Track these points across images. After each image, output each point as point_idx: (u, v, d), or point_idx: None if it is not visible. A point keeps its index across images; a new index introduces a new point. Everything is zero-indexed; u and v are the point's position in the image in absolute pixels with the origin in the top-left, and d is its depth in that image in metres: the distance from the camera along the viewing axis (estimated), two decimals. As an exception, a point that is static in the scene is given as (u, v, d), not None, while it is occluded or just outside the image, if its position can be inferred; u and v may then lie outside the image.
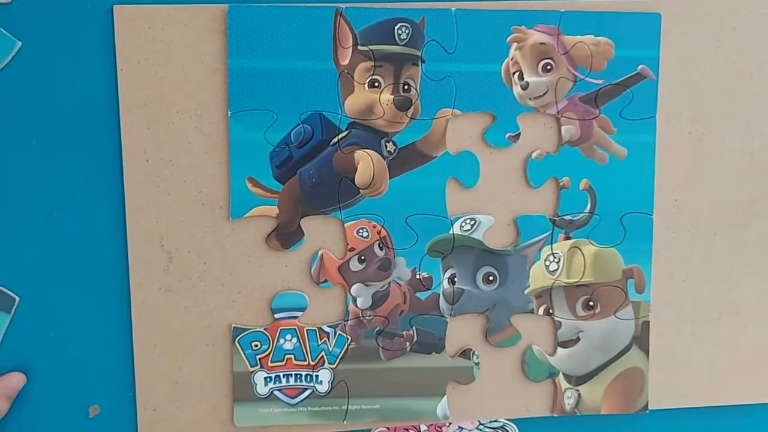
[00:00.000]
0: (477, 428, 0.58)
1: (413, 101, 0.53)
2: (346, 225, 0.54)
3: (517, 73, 0.54)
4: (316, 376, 0.55)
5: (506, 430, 0.58)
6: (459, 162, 0.54)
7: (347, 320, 0.55)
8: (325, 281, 0.54)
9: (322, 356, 0.55)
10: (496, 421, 0.58)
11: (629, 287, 0.56)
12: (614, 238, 0.56)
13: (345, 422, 0.56)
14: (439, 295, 0.55)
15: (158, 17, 0.51)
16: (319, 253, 0.54)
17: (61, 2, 0.51)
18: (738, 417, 0.60)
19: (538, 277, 0.56)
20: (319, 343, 0.55)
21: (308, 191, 0.53)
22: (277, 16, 0.52)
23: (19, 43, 0.51)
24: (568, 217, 0.56)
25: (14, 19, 0.51)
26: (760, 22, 0.56)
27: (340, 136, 0.53)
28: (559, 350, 0.57)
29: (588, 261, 0.56)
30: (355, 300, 0.55)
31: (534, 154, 0.55)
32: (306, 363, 0.55)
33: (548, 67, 0.54)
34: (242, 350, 0.54)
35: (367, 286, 0.55)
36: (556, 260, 0.56)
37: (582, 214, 0.56)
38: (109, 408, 0.55)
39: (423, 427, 0.58)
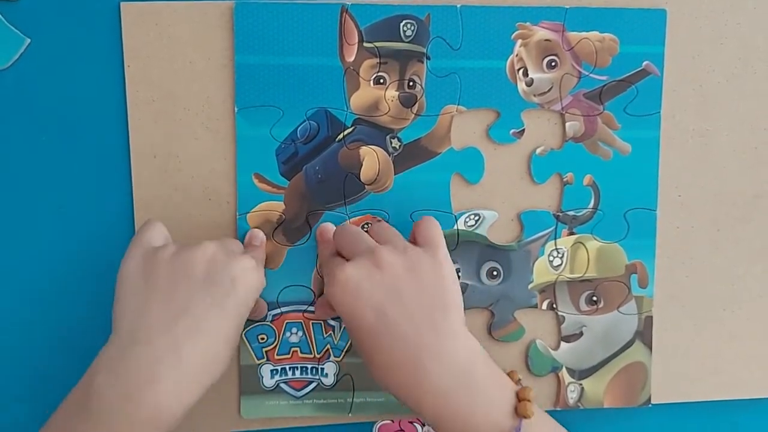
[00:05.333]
0: (481, 421, 0.58)
1: (418, 98, 0.54)
2: (351, 220, 0.54)
3: (521, 70, 0.54)
4: (322, 368, 0.56)
5: (509, 423, 0.59)
6: (464, 158, 0.55)
7: (352, 314, 0.55)
8: (331, 276, 0.55)
9: (328, 349, 0.56)
10: (499, 414, 0.58)
11: (632, 282, 0.57)
12: (618, 233, 0.56)
13: (350, 414, 0.57)
14: (443, 289, 0.56)
15: (165, 14, 0.52)
16: (325, 248, 0.55)
17: (69, -1, 0.52)
18: (740, 411, 0.60)
19: (541, 272, 0.56)
20: (325, 336, 0.55)
21: (314, 187, 0.54)
22: (283, 13, 0.52)
23: (28, 40, 0.52)
24: (571, 213, 0.56)
25: (23, 16, 0.51)
26: (765, 18, 0.56)
27: (345, 133, 0.54)
28: (563, 344, 0.57)
29: (591, 256, 0.56)
30: (360, 294, 0.55)
31: (538, 150, 0.55)
32: (312, 356, 0.56)
33: (553, 64, 0.54)
34: (249, 343, 0.55)
35: (372, 280, 0.55)
36: (560, 255, 0.56)
37: (586, 210, 0.56)
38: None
39: (427, 420, 0.58)
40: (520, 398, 0.47)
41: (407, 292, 0.46)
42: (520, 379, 0.50)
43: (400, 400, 0.47)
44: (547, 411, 0.57)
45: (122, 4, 0.52)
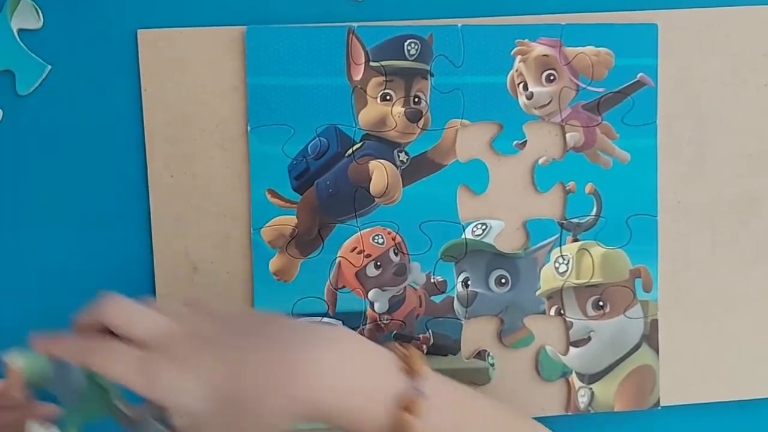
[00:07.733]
0: (494, 429, 0.59)
1: (423, 113, 0.56)
2: (362, 232, 0.56)
3: (521, 84, 0.56)
4: (337, 380, 0.57)
5: (522, 428, 0.59)
6: (469, 169, 0.57)
7: (365, 324, 0.57)
8: (343, 287, 0.56)
9: (342, 360, 0.57)
10: (512, 421, 0.59)
11: (637, 287, 0.58)
12: (620, 239, 0.58)
13: (365, 425, 0.57)
14: (453, 298, 0.57)
15: (180, 39, 0.54)
16: (337, 260, 0.56)
17: (88, 27, 0.54)
18: (748, 411, 0.61)
19: (548, 278, 0.58)
20: (339, 347, 0.56)
21: (325, 201, 0.56)
22: (292, 36, 0.54)
23: (49, 67, 0.54)
24: (575, 220, 0.58)
25: (44, 43, 0.54)
26: (752, 29, 0.58)
27: (354, 148, 0.56)
28: (572, 349, 0.58)
29: (596, 262, 0.58)
30: (372, 304, 0.57)
31: (540, 161, 0.57)
32: (326, 368, 0.57)
33: (551, 78, 0.57)
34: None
35: (383, 290, 0.56)
36: (566, 262, 0.58)
37: (588, 217, 0.58)
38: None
39: (441, 429, 0.59)
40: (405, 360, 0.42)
41: None
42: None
43: None
44: (558, 416, 0.59)
45: (139, 30, 0.54)
